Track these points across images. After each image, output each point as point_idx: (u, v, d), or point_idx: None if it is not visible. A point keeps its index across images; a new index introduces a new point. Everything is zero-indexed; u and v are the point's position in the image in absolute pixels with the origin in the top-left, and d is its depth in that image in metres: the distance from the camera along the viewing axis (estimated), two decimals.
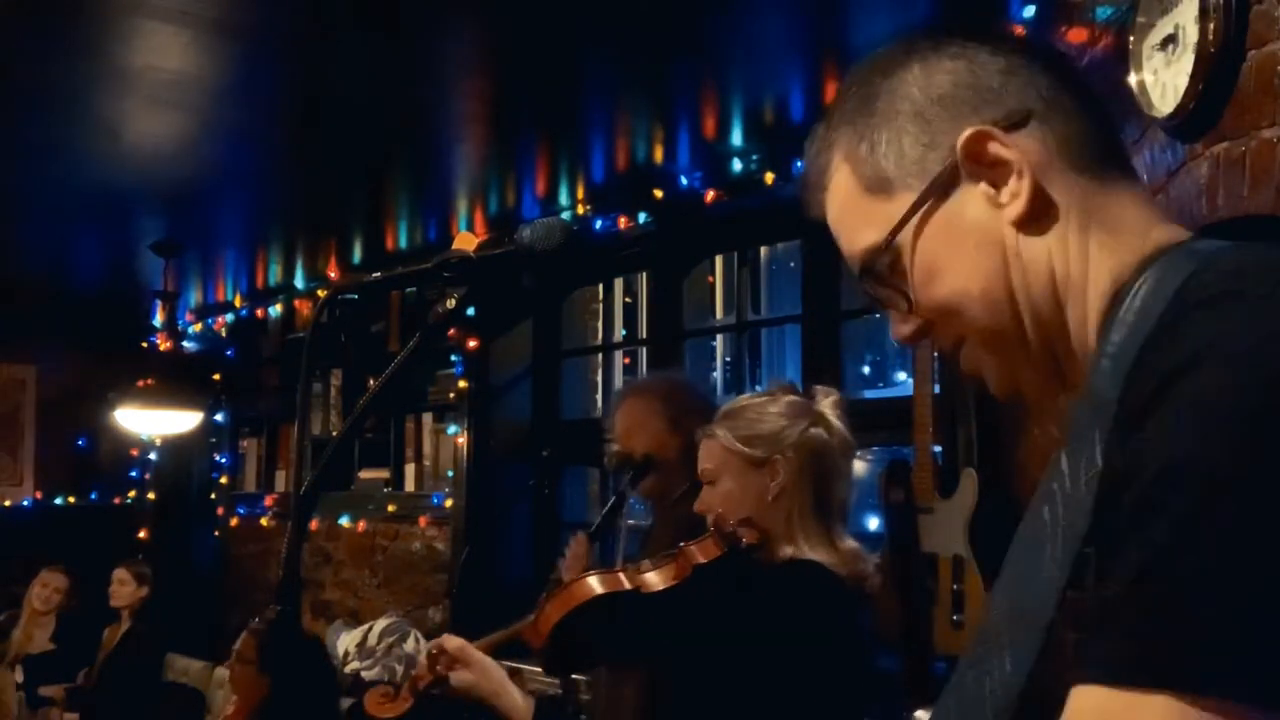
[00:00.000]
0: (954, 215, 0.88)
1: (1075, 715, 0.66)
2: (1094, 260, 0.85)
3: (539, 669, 2.61)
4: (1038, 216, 0.86)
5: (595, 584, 2.03)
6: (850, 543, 2.05)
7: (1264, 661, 0.60)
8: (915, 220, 0.89)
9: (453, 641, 2.07)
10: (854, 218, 0.94)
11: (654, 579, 2.02)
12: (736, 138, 3.74)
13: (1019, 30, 2.73)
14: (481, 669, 2.04)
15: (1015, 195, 0.86)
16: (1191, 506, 0.63)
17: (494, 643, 2.15)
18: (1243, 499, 0.63)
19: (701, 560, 2.00)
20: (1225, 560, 0.62)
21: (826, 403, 2.10)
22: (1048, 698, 0.68)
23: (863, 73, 0.94)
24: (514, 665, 2.18)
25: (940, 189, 0.88)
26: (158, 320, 6.27)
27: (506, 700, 2.02)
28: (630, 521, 2.81)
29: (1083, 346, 0.85)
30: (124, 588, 5.59)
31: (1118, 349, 0.76)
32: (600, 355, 5.10)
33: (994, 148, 0.86)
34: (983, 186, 0.87)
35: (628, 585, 2.02)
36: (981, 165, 0.87)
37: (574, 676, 3.20)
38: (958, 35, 0.91)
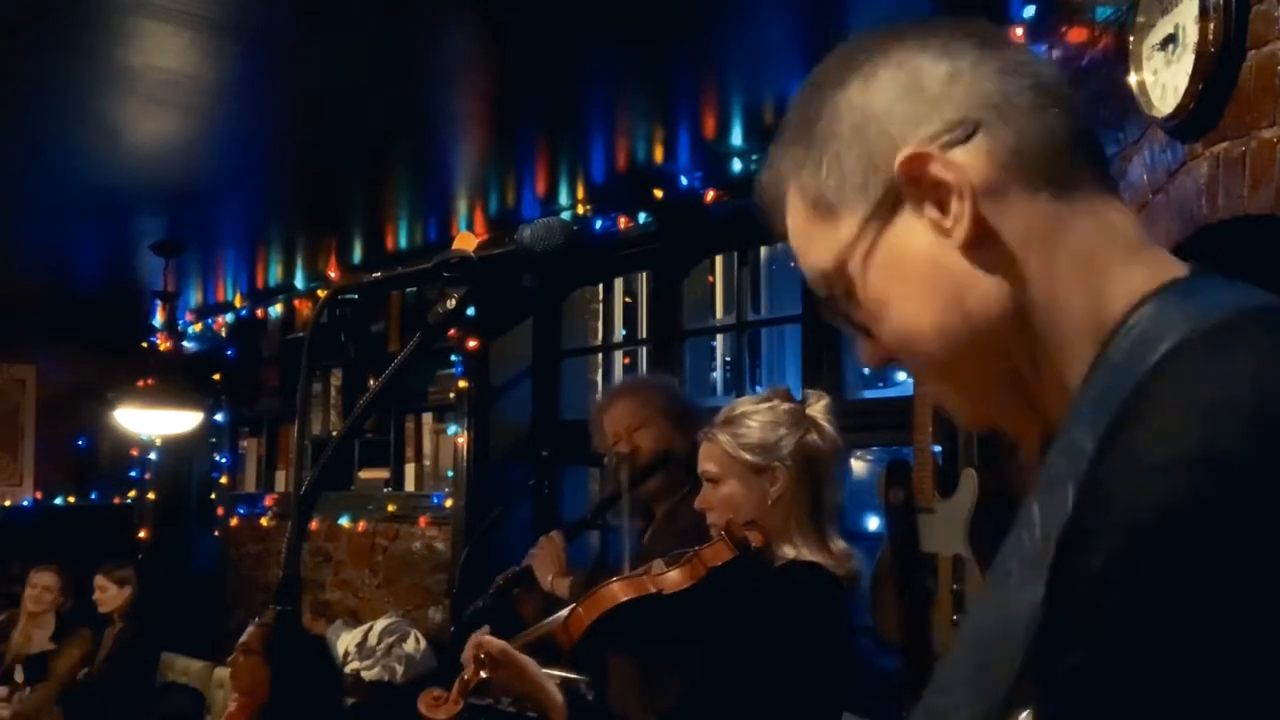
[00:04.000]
0: (900, 243, 0.81)
1: None
2: (1064, 288, 0.78)
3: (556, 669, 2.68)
4: (986, 241, 0.78)
5: (623, 589, 2.15)
6: (841, 544, 2.17)
7: None
8: (862, 248, 0.83)
9: (494, 644, 2.17)
10: (805, 242, 0.88)
11: (672, 581, 2.14)
12: (736, 138, 3.74)
13: (1017, 32, 2.73)
14: (521, 668, 2.15)
15: (958, 219, 0.78)
16: (1133, 578, 0.61)
17: (527, 642, 2.25)
18: (1181, 586, 0.60)
19: (715, 563, 2.12)
20: (1156, 639, 0.60)
21: (818, 408, 2.21)
22: None
23: (806, 90, 0.87)
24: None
25: (883, 215, 0.81)
26: (158, 320, 6.27)
27: (545, 696, 2.13)
28: (630, 522, 2.84)
29: (1058, 380, 0.79)
30: (106, 593, 5.58)
31: (1099, 396, 0.71)
32: (600, 355, 5.11)
33: (933, 168, 0.78)
34: (928, 210, 0.79)
35: (651, 589, 2.14)
36: (922, 188, 0.79)
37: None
38: (900, 39, 0.84)
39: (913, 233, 0.81)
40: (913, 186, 0.79)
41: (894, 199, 0.81)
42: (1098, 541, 0.63)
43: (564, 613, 2.19)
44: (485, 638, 2.20)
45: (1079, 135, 0.82)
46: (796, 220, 0.88)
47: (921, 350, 0.83)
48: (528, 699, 2.18)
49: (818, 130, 0.84)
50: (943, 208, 0.79)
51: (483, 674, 2.18)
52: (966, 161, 0.78)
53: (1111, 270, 0.78)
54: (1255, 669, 0.59)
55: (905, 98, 0.81)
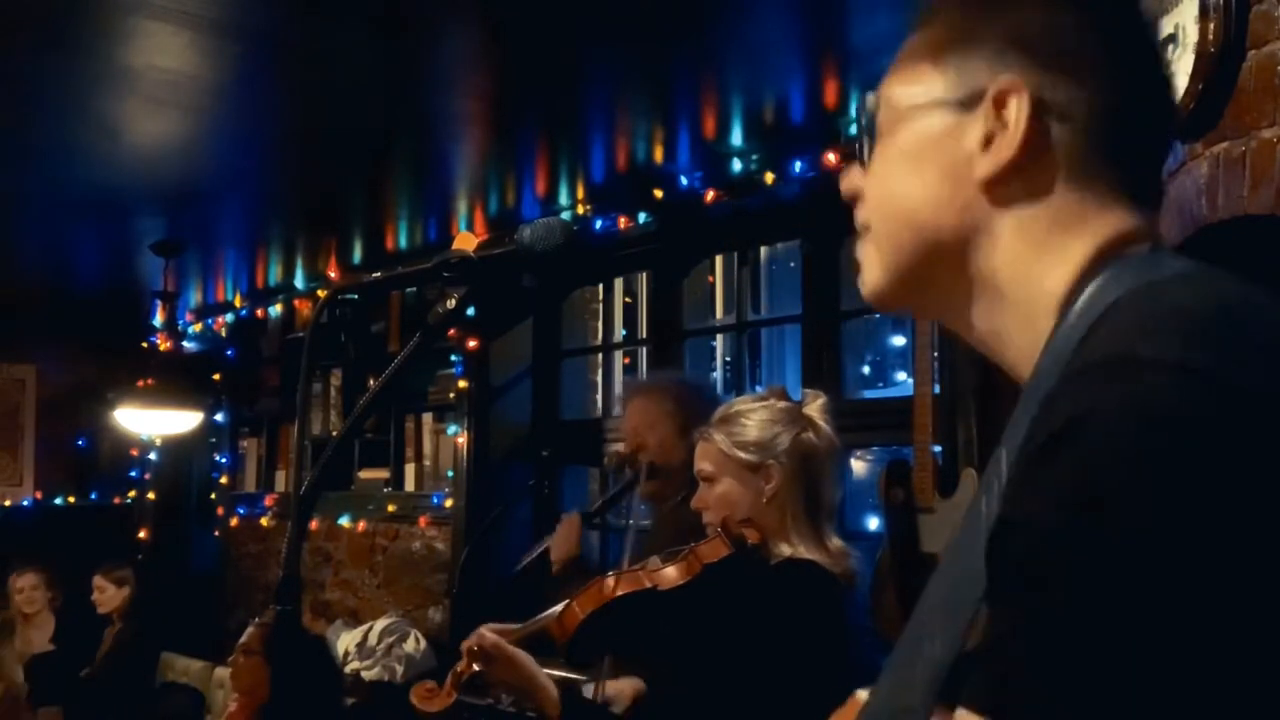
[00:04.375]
0: (948, 130, 0.87)
1: None
2: (1047, 259, 0.84)
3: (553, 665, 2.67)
4: (1002, 191, 0.85)
5: (618, 584, 2.15)
6: (838, 542, 2.17)
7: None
8: (923, 108, 0.89)
9: (489, 638, 2.18)
10: (905, 61, 0.92)
11: (668, 577, 2.14)
12: (736, 138, 3.74)
13: None
14: (516, 662, 2.17)
15: (995, 157, 0.85)
16: (1053, 575, 0.65)
17: (523, 635, 2.25)
18: (1103, 567, 0.63)
19: (711, 560, 2.12)
20: (1080, 618, 0.63)
21: (814, 406, 2.22)
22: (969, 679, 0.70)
23: None
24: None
25: (961, 100, 0.87)
26: (158, 320, 6.27)
27: (541, 692, 2.14)
28: (631, 522, 2.84)
29: (1028, 350, 0.83)
30: (104, 594, 5.59)
31: (1050, 363, 0.76)
32: (600, 355, 5.10)
33: (1014, 106, 0.84)
34: (986, 128, 0.86)
35: (647, 584, 2.14)
36: (997, 114, 0.85)
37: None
38: (1086, 10, 0.88)
39: (965, 134, 0.86)
40: (995, 106, 0.85)
41: (975, 99, 0.86)
42: (1039, 430, 0.70)
43: (559, 607, 2.19)
44: (481, 630, 2.21)
45: (1142, 152, 0.88)
46: (918, 41, 0.92)
47: (879, 216, 0.90)
48: (522, 693, 2.19)
49: (987, 7, 0.89)
50: (990, 141, 0.85)
51: (476, 667, 2.20)
52: (1041, 127, 0.84)
53: (1087, 247, 0.83)
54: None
55: (1055, 42, 0.86)
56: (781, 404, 2.20)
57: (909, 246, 0.89)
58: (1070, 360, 0.73)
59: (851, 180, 0.94)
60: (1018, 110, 0.84)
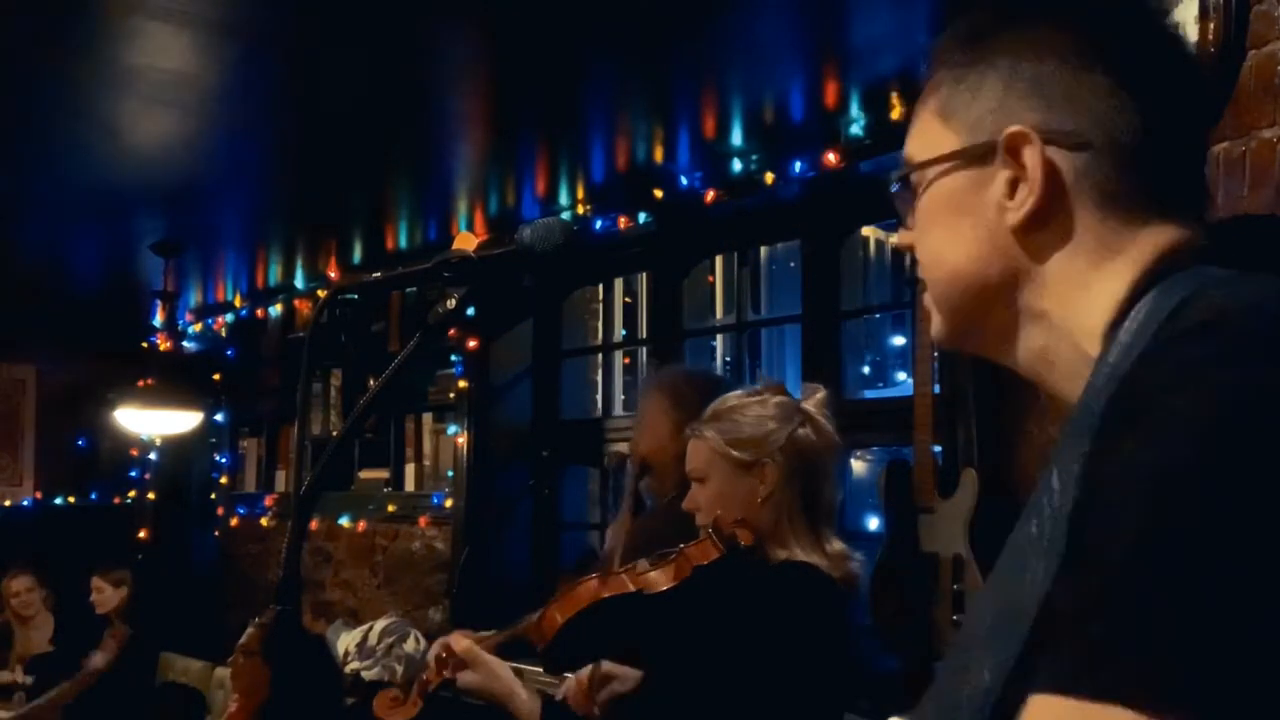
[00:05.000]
0: (972, 185, 0.90)
1: None
2: (1094, 289, 0.85)
3: (539, 668, 2.61)
4: (1037, 236, 0.87)
5: (599, 586, 2.05)
6: (838, 544, 2.06)
7: (1221, 678, 0.59)
8: (943, 165, 0.91)
9: (461, 643, 2.08)
10: (917, 126, 0.96)
11: (655, 580, 2.04)
12: (736, 138, 3.74)
13: None
14: (489, 670, 2.06)
15: (1020, 206, 0.86)
16: (1153, 524, 0.64)
17: (499, 641, 2.15)
18: (1204, 519, 0.62)
19: (701, 562, 2.01)
20: (1183, 577, 0.61)
21: (812, 401, 2.10)
22: (1020, 707, 0.67)
23: (997, 7, 0.94)
24: (516, 665, 2.20)
25: (976, 155, 0.89)
26: (158, 320, 6.27)
27: (516, 701, 2.04)
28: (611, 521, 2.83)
29: (1076, 361, 0.85)
30: (102, 595, 5.58)
31: (1111, 370, 0.77)
32: (600, 355, 5.10)
33: (1028, 154, 0.86)
34: (1003, 182, 0.87)
35: (631, 587, 2.04)
36: (1015, 161, 0.87)
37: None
38: (1085, 31, 0.88)
39: (987, 186, 0.89)
40: (1009, 155, 0.87)
41: (989, 152, 0.88)
42: (1120, 410, 0.70)
43: (537, 612, 2.09)
44: (451, 636, 2.10)
45: (1180, 173, 0.89)
46: (925, 104, 0.95)
47: (932, 276, 0.94)
48: (497, 702, 2.07)
49: (985, 48, 0.91)
50: (1013, 189, 0.87)
51: (445, 674, 2.09)
52: (1056, 163, 0.86)
53: (1140, 266, 0.84)
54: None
55: (1055, 82, 0.87)
56: (777, 399, 2.08)
57: (959, 300, 0.92)
58: (1130, 371, 0.74)
59: (902, 238, 0.98)
60: (1031, 154, 0.86)
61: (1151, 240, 0.85)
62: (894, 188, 0.97)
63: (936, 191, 0.92)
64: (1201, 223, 0.88)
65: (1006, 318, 0.90)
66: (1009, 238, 0.87)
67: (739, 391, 2.17)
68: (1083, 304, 0.85)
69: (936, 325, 0.97)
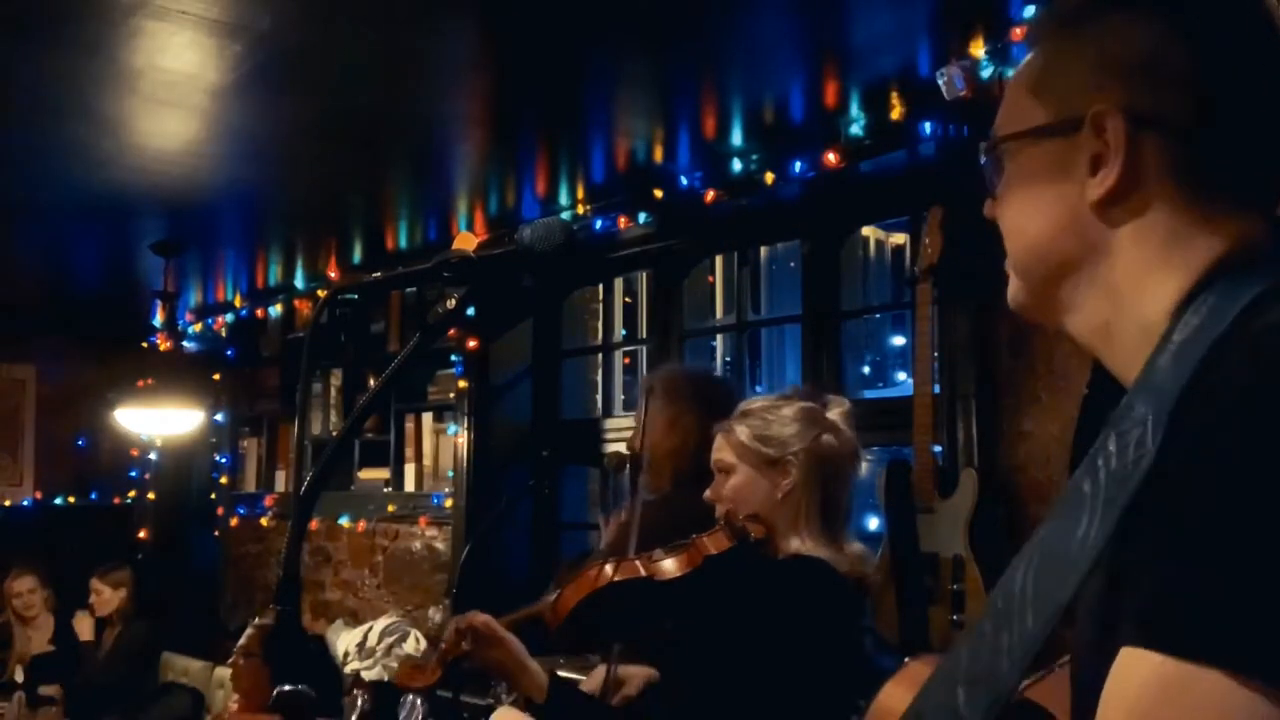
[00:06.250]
0: (1056, 159, 0.91)
1: (1131, 679, 0.69)
2: (1165, 270, 0.87)
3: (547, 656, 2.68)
4: (1116, 213, 0.88)
5: (614, 571, 2.15)
6: (858, 546, 2.18)
7: None
8: (1029, 139, 0.93)
9: (480, 617, 2.20)
10: (1008, 98, 0.97)
11: (667, 567, 2.14)
12: (736, 138, 3.74)
13: (1016, 33, 2.72)
14: (505, 644, 2.19)
15: (1102, 182, 0.88)
16: (1252, 501, 0.67)
17: (515, 620, 2.26)
18: None
19: (712, 551, 2.12)
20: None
21: (838, 412, 2.23)
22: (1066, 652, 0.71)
23: None
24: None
25: (1062, 130, 0.90)
26: (158, 320, 6.27)
27: (527, 675, 2.17)
28: (609, 513, 2.85)
29: (1140, 340, 0.87)
30: (101, 596, 5.59)
31: (1177, 348, 0.79)
32: (600, 355, 5.10)
33: (1112, 130, 0.87)
34: (1091, 152, 0.88)
35: (643, 573, 2.14)
36: (1099, 138, 0.88)
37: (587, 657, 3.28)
38: (1177, 14, 0.90)
39: (1071, 160, 0.90)
40: (1094, 131, 0.88)
41: (1075, 127, 0.89)
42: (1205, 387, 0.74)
43: (553, 593, 2.21)
44: (474, 612, 2.22)
45: (1263, 164, 0.89)
46: (1018, 78, 0.97)
47: (1011, 243, 0.96)
48: (509, 676, 2.20)
49: (1078, 25, 0.92)
50: (1097, 165, 0.88)
51: (464, 646, 2.21)
52: (1139, 142, 0.87)
53: (1207, 257, 0.86)
54: None
55: (1146, 61, 0.88)
56: (805, 404, 2.21)
57: (1037, 272, 0.95)
58: (1209, 355, 0.77)
59: (989, 209, 1.00)
60: (1115, 132, 0.87)
61: (1226, 228, 0.86)
62: (983, 160, 0.98)
63: (1022, 164, 0.94)
64: (1275, 216, 0.89)
65: (1078, 289, 0.92)
66: (1088, 213, 0.89)
67: (768, 394, 2.33)
68: (1151, 283, 0.87)
69: (1013, 291, 0.98)
